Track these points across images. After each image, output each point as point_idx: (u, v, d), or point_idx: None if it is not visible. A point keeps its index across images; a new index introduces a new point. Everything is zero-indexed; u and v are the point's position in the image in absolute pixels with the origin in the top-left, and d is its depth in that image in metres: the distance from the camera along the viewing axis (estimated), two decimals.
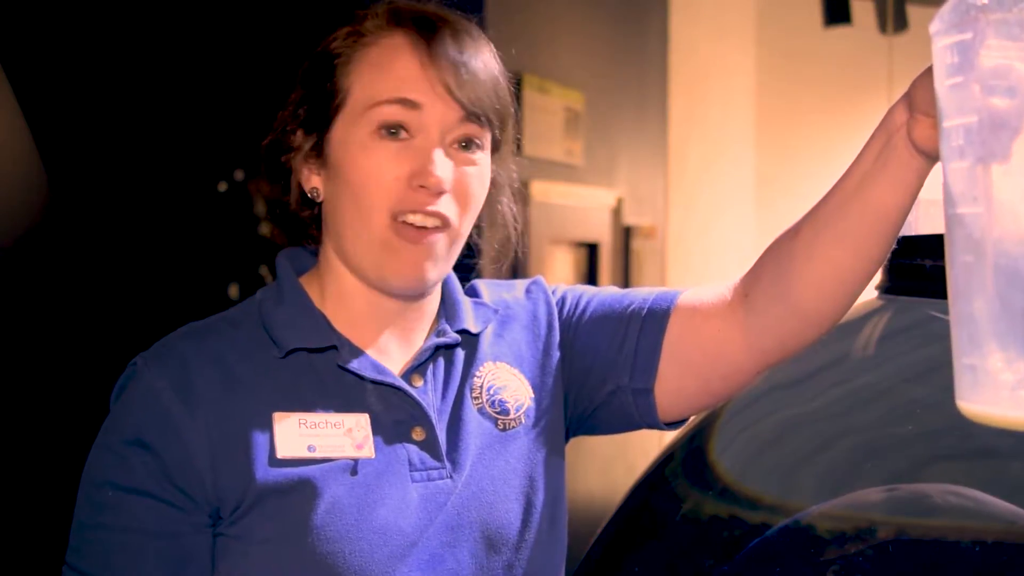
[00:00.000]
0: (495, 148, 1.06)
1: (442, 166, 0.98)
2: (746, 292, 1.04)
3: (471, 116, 1.00)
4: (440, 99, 0.99)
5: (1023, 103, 0.70)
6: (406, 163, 0.98)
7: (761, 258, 1.03)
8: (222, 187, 2.60)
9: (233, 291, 2.84)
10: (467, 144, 1.01)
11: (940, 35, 0.76)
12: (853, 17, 4.10)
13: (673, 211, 4.14)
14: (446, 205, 0.99)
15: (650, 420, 1.10)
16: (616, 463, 3.39)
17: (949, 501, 1.28)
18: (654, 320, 1.08)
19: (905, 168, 0.91)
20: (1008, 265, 0.70)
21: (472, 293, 1.15)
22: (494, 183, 1.08)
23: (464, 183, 1.01)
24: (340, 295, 1.05)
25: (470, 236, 1.07)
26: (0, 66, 2.23)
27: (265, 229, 1.15)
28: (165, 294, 2.71)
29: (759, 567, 1.34)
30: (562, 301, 1.15)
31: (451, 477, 1.02)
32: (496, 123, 1.03)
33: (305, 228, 1.09)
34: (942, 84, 0.76)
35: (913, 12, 4.05)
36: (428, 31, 1.00)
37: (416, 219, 0.98)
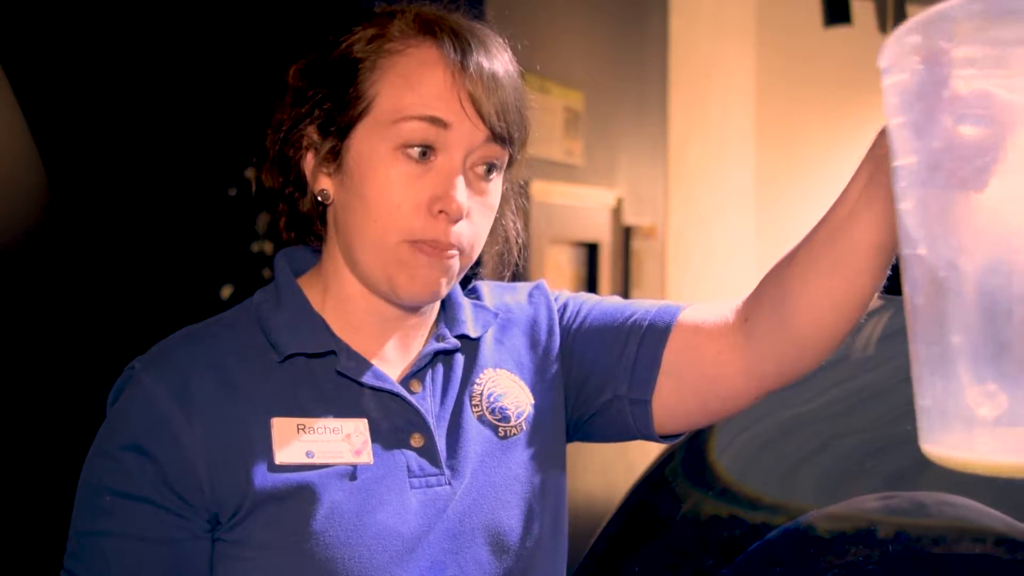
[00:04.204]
0: (509, 164, 1.05)
1: (463, 192, 0.97)
2: (746, 317, 1.03)
3: (496, 137, 0.99)
4: (468, 118, 0.97)
5: (996, 131, 0.69)
6: (427, 187, 0.97)
7: (761, 283, 1.03)
8: (232, 192, 2.60)
9: (226, 292, 2.84)
10: (488, 168, 1.00)
11: (884, 73, 0.75)
12: (853, 17, 4.09)
13: (673, 211, 4.14)
14: (461, 231, 0.98)
15: (646, 431, 1.10)
16: (616, 463, 3.39)
17: (944, 512, 1.28)
18: (655, 333, 1.07)
19: (891, 202, 0.90)
20: (985, 297, 0.69)
21: (474, 295, 1.14)
22: (502, 197, 1.07)
23: (480, 213, 1.01)
24: (341, 298, 1.04)
25: None
26: (0, 66, 2.23)
27: (262, 229, 1.13)
28: (165, 296, 2.71)
29: (760, 569, 1.34)
30: (564, 307, 1.15)
31: (450, 484, 1.01)
32: (517, 142, 1.02)
33: (309, 224, 1.08)
34: (889, 123, 0.75)
35: (913, 12, 4.05)
36: (459, 44, 0.98)
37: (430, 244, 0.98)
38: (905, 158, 0.73)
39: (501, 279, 1.16)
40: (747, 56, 5.13)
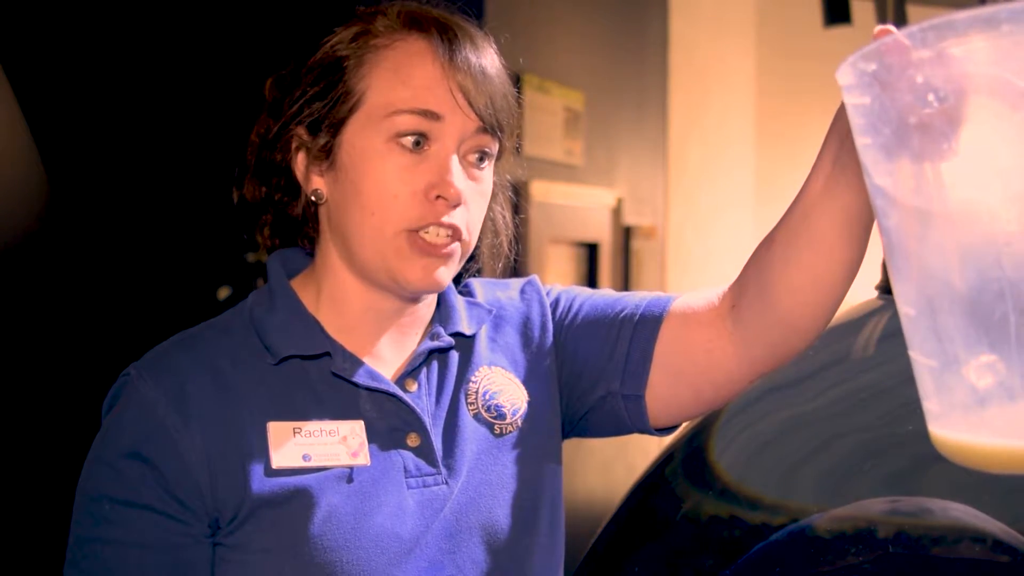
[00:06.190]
0: (498, 155, 1.06)
1: (459, 177, 0.98)
2: (733, 303, 1.03)
3: (487, 127, 1.00)
4: (460, 109, 0.98)
5: (956, 101, 0.69)
6: (423, 175, 0.98)
7: (744, 268, 1.03)
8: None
9: (223, 293, 2.83)
10: (480, 157, 1.01)
11: (845, 90, 0.75)
12: (853, 17, 4.09)
13: (673, 211, 4.14)
14: (459, 217, 0.99)
15: (641, 426, 1.10)
16: (616, 463, 3.39)
17: (948, 516, 1.28)
18: (646, 326, 1.07)
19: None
20: (987, 320, 0.69)
21: (466, 292, 1.14)
22: (492, 189, 1.08)
23: (475, 200, 1.01)
24: (335, 298, 1.04)
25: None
26: (0, 66, 2.23)
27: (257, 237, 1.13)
28: (162, 296, 2.71)
29: (761, 570, 1.33)
30: (556, 302, 1.15)
31: (447, 483, 1.01)
32: (507, 131, 1.03)
33: (299, 227, 1.08)
34: (857, 140, 0.76)
35: (913, 12, 4.05)
36: (447, 36, 0.99)
37: (430, 235, 0.98)
38: (880, 178, 0.74)
39: (495, 272, 1.16)
40: (747, 56, 5.13)
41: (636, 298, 1.11)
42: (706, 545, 1.44)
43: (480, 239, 1.09)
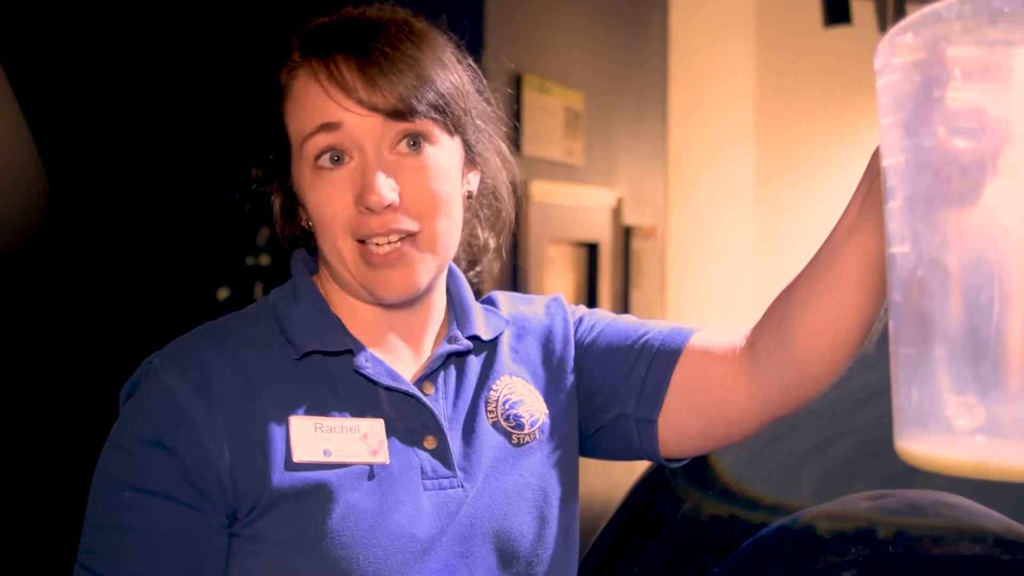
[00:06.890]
0: (456, 128, 1.03)
1: (382, 183, 0.96)
2: (753, 341, 1.05)
3: (395, 115, 0.97)
4: (354, 112, 0.97)
5: (989, 145, 0.69)
6: (350, 188, 0.98)
7: (767, 309, 1.04)
8: (236, 195, 2.60)
9: (222, 294, 2.83)
10: (414, 142, 0.99)
11: (878, 74, 0.75)
12: (853, 17, 4.09)
13: (673, 211, 4.14)
14: (401, 219, 0.98)
15: (651, 451, 1.11)
16: (616, 463, 3.39)
17: (940, 512, 1.28)
18: (665, 354, 1.08)
19: None
20: (967, 297, 0.69)
21: (489, 303, 1.15)
22: (477, 157, 1.07)
23: (419, 187, 0.98)
24: (346, 303, 1.05)
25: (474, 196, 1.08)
26: (0, 66, 2.23)
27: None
28: (164, 298, 2.71)
29: (758, 568, 1.34)
30: (579, 321, 1.15)
31: (462, 487, 1.02)
32: (437, 107, 0.99)
33: (309, 240, 1.10)
34: (880, 123, 0.76)
35: (913, 12, 4.04)
36: (328, 51, 0.99)
37: (378, 247, 0.98)
38: (894, 157, 0.74)
39: (503, 232, 1.15)
40: (747, 56, 5.13)
41: (659, 326, 1.12)
42: (706, 545, 1.44)
43: (479, 204, 1.10)
